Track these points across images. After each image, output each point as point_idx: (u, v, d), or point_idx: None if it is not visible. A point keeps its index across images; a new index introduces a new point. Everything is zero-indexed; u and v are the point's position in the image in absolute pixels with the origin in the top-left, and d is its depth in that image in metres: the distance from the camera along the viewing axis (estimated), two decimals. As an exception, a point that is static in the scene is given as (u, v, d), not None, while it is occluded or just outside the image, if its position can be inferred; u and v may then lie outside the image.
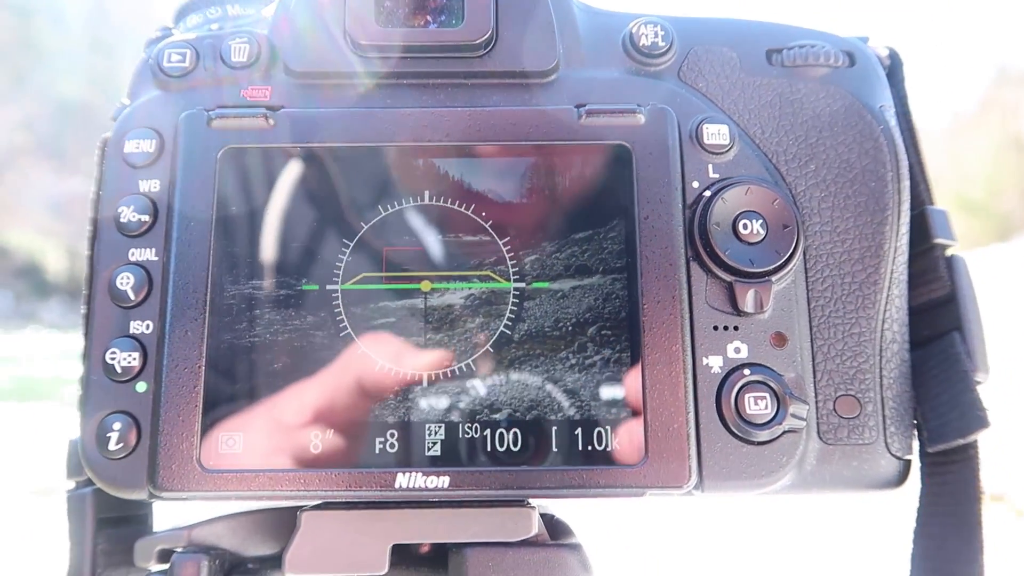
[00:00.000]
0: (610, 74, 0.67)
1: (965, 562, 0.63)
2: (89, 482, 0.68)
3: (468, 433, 0.60)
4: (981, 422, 0.62)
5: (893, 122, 0.67)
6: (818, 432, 0.63)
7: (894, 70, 0.73)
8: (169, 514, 0.72)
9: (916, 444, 0.66)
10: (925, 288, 0.69)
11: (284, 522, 0.66)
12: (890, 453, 0.64)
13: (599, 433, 0.59)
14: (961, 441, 0.63)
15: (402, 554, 0.63)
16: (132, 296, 0.61)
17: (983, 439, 0.64)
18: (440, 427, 0.60)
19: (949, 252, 0.69)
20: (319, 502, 0.60)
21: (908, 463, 0.65)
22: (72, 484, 0.68)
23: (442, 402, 0.60)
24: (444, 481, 0.58)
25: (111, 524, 0.67)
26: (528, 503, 0.61)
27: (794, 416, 0.60)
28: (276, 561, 0.64)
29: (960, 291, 0.67)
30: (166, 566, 0.64)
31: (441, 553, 0.65)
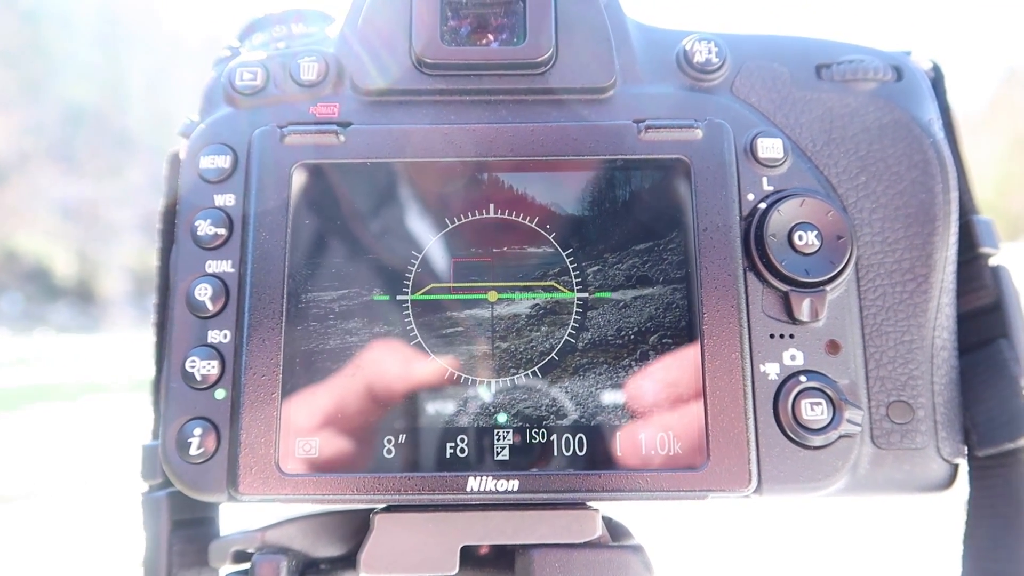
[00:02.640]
0: (665, 90, 0.69)
1: (1014, 562, 0.65)
2: (163, 485, 0.70)
3: (535, 438, 0.62)
4: None
5: (941, 135, 0.69)
6: (871, 437, 0.65)
7: (937, 83, 0.75)
8: (231, 517, 0.75)
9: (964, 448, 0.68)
10: (971, 296, 0.71)
11: (351, 525, 0.68)
12: (941, 457, 0.66)
13: (661, 438, 0.61)
14: (1010, 445, 0.65)
15: (467, 556, 0.65)
16: (210, 307, 0.63)
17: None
18: (508, 432, 0.62)
19: (993, 261, 0.71)
20: (390, 504, 0.63)
21: (957, 467, 0.67)
22: (146, 487, 0.71)
23: (510, 408, 0.62)
24: (514, 484, 0.60)
25: (184, 526, 0.70)
26: (589, 506, 0.63)
27: (850, 421, 0.62)
28: (346, 562, 0.67)
29: (1006, 299, 0.69)
30: (240, 567, 0.67)
31: (503, 555, 0.67)
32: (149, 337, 0.73)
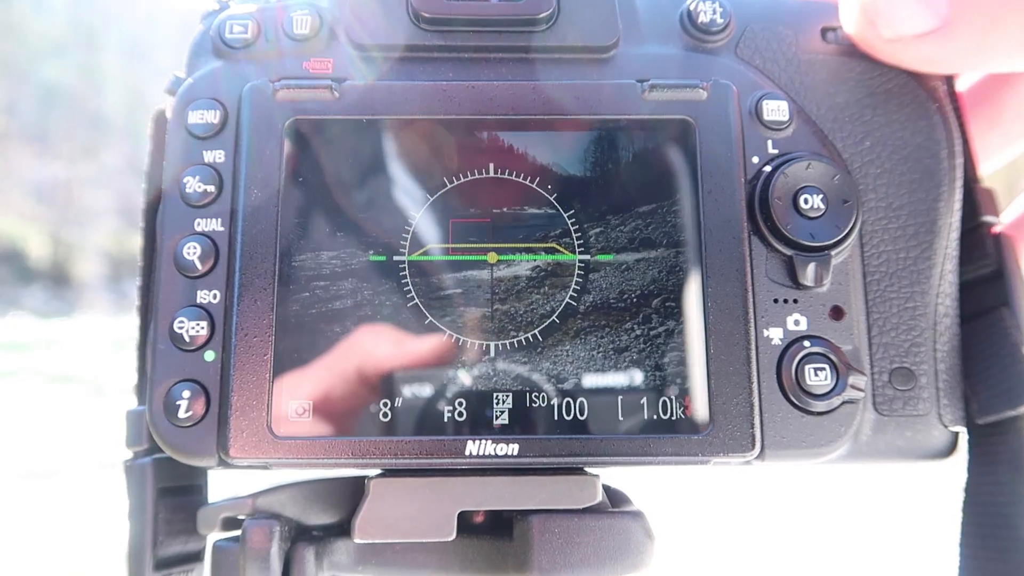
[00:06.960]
0: (668, 50, 0.68)
1: (1013, 528, 0.65)
2: (148, 452, 0.68)
3: (535, 402, 0.60)
4: None
5: (947, 101, 0.69)
6: (873, 403, 0.65)
7: None
8: (221, 485, 0.73)
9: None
10: (973, 265, 0.70)
11: (345, 492, 0.66)
12: (942, 424, 0.65)
13: (664, 402, 0.60)
14: (1011, 413, 0.65)
15: (464, 522, 0.63)
16: (199, 266, 0.61)
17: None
18: (508, 396, 0.60)
19: (995, 230, 0.70)
20: (386, 469, 0.61)
21: (958, 435, 0.66)
22: (130, 454, 0.68)
23: (509, 371, 0.61)
24: (513, 449, 0.59)
25: (170, 493, 0.68)
26: (589, 472, 0.62)
27: (853, 387, 0.61)
28: (339, 528, 0.65)
29: (1007, 268, 0.68)
30: (229, 534, 0.65)
31: (500, 522, 0.66)
32: (134, 301, 0.71)
